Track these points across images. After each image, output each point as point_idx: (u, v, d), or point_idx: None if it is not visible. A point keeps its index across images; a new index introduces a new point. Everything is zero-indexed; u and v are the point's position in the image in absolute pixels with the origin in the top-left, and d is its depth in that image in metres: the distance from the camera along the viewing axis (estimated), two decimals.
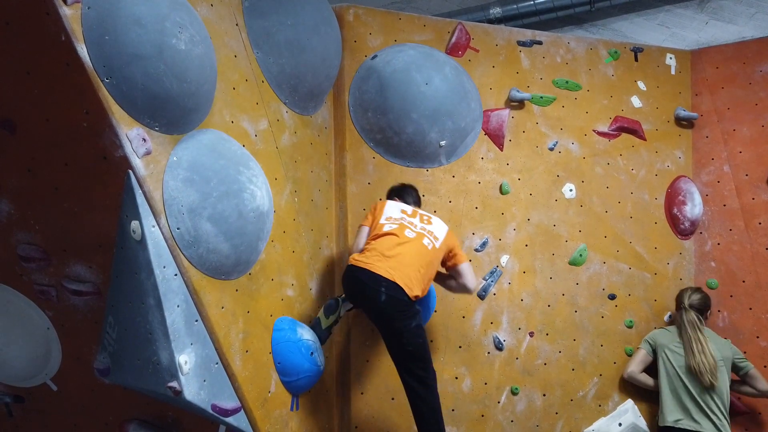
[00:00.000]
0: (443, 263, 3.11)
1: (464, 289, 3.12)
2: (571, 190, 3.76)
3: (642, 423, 3.50)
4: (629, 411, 3.53)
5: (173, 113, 2.32)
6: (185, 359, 2.32)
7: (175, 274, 2.34)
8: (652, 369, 3.49)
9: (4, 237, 2.54)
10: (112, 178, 2.23)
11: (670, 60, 4.04)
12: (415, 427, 2.91)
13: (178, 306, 2.33)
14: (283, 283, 2.97)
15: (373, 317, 2.91)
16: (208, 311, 2.45)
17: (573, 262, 3.68)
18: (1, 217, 2.50)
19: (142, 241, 2.25)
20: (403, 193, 3.27)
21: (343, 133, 3.58)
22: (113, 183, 2.24)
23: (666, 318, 3.73)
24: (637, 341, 3.61)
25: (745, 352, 3.45)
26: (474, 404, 3.43)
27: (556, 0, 4.33)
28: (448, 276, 3.18)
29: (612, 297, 3.69)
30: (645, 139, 3.91)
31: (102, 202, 2.32)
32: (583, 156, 3.81)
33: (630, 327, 3.68)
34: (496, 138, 3.72)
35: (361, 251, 2.97)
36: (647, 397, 3.55)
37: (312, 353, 2.90)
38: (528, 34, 3.88)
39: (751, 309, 3.62)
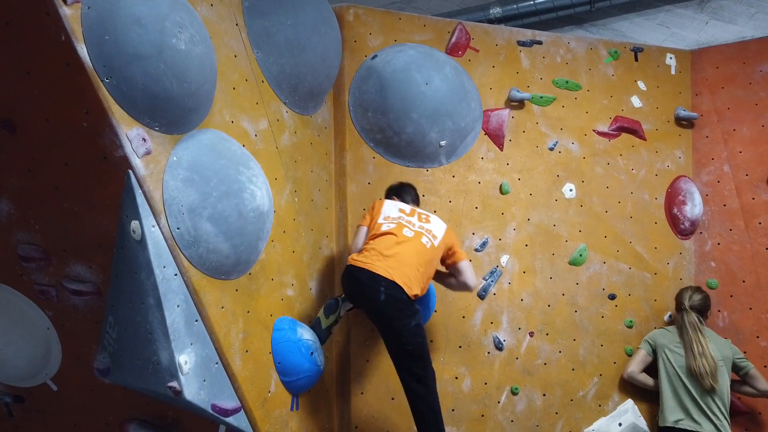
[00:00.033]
0: (443, 261, 3.11)
1: (464, 287, 3.12)
2: (571, 190, 3.76)
3: (642, 423, 3.50)
4: (629, 411, 3.53)
5: (173, 113, 2.32)
6: (185, 359, 2.33)
7: (175, 274, 2.34)
8: (652, 369, 3.49)
9: (4, 237, 2.55)
10: (112, 178, 2.23)
11: (670, 60, 4.04)
12: (415, 427, 2.91)
13: (178, 306, 2.33)
14: (283, 283, 2.97)
15: (373, 317, 2.91)
16: (208, 311, 2.45)
17: (573, 262, 3.68)
18: (1, 217, 2.50)
19: (142, 241, 2.25)
20: (402, 191, 3.27)
21: (343, 133, 3.58)
22: (113, 183, 2.24)
23: (666, 318, 3.73)
24: (637, 341, 3.61)
25: (745, 352, 3.45)
26: (474, 404, 3.43)
27: (556, 0, 4.33)
28: (448, 274, 3.18)
29: (612, 297, 3.69)
30: (645, 139, 3.91)
31: (102, 202, 2.32)
32: (583, 156, 3.81)
33: (630, 327, 3.68)
34: (496, 138, 3.72)
35: (360, 251, 2.97)
36: (647, 397, 3.55)
37: (312, 353, 2.90)
38: (528, 34, 3.88)
39: (751, 309, 3.62)
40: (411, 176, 3.52)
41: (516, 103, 3.77)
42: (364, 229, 3.09)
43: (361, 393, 3.33)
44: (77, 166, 2.29)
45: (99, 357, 2.60)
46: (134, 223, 2.25)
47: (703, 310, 3.46)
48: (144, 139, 2.22)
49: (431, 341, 3.39)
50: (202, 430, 2.74)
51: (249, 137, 2.82)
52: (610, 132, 3.88)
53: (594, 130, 3.86)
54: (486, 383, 3.46)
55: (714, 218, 3.83)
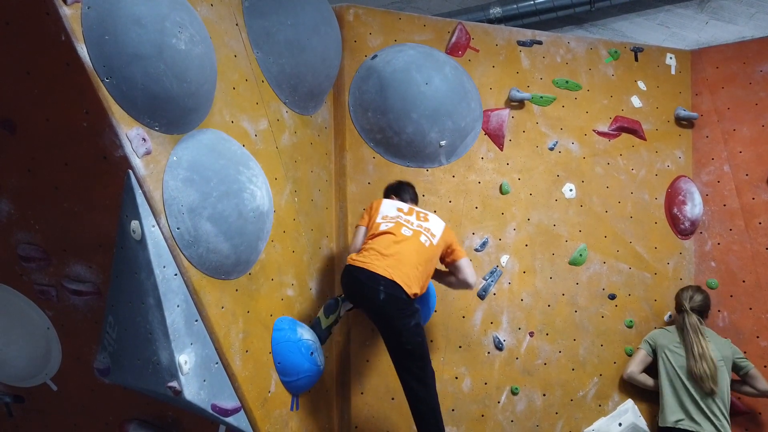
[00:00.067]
0: (442, 259, 3.11)
1: (465, 285, 3.11)
2: (571, 190, 3.76)
3: (642, 423, 3.50)
4: (629, 411, 3.53)
5: (173, 113, 2.32)
6: (185, 359, 2.33)
7: (175, 274, 2.34)
8: (652, 369, 3.49)
9: (4, 237, 2.55)
10: (112, 178, 2.23)
11: (670, 60, 4.04)
12: (415, 427, 2.91)
13: (178, 306, 2.33)
14: (283, 282, 2.97)
15: (373, 316, 2.91)
16: (208, 311, 2.45)
17: (573, 262, 3.68)
18: (1, 217, 2.50)
19: (142, 241, 2.25)
20: (400, 190, 3.27)
21: (343, 133, 3.58)
22: (113, 183, 2.24)
23: (666, 318, 3.73)
24: (637, 341, 3.61)
25: (745, 352, 3.45)
26: (474, 404, 3.43)
27: (556, 0, 4.33)
28: (448, 273, 3.18)
29: (612, 297, 3.69)
30: (645, 139, 3.91)
31: (102, 202, 2.32)
32: (583, 156, 3.81)
33: (630, 327, 3.68)
34: (496, 138, 3.72)
35: (359, 251, 2.97)
36: (647, 397, 3.55)
37: (312, 353, 2.90)
38: (528, 34, 3.88)
39: (751, 309, 3.62)
40: (411, 176, 3.52)
41: (516, 103, 3.77)
42: (362, 229, 3.09)
43: (361, 393, 3.33)
44: (77, 166, 2.29)
45: (99, 357, 2.60)
46: (134, 223, 2.25)
47: (703, 311, 3.46)
48: (144, 139, 2.22)
49: (431, 341, 3.39)
50: (202, 430, 2.74)
51: (249, 137, 2.82)
52: (610, 132, 3.88)
53: (594, 130, 3.86)
54: (486, 383, 3.46)
55: (714, 218, 3.83)
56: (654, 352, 3.47)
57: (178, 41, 2.24)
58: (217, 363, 2.50)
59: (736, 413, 3.45)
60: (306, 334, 2.93)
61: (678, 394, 3.29)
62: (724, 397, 3.23)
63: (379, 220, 3.02)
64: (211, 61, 2.50)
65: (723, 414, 3.21)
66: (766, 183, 3.70)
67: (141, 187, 2.23)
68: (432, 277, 3.13)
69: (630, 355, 3.61)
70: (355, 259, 2.89)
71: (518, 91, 3.73)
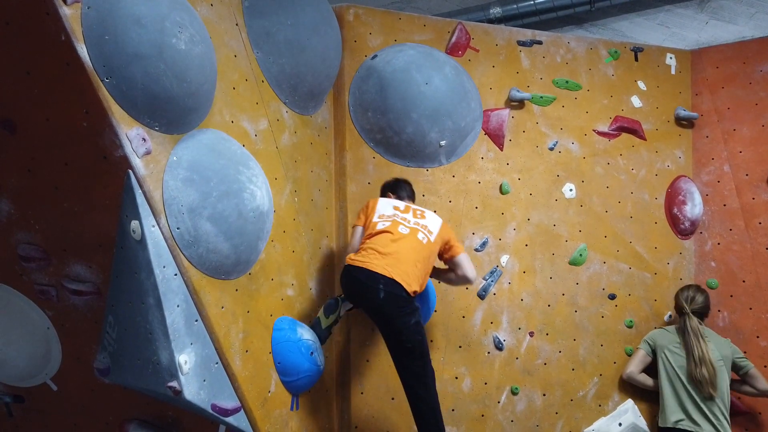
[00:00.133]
0: (440, 256, 3.11)
1: (465, 281, 3.11)
2: (571, 190, 3.76)
3: (642, 423, 3.50)
4: (629, 411, 3.53)
5: (173, 113, 2.32)
6: (185, 359, 2.33)
7: (175, 274, 2.34)
8: (652, 369, 3.49)
9: (4, 237, 2.55)
10: (112, 178, 2.23)
11: (670, 60, 4.04)
12: (415, 427, 2.91)
13: (178, 306, 2.33)
14: (283, 282, 2.97)
15: (373, 315, 2.91)
16: (207, 311, 2.45)
17: (573, 262, 3.68)
18: (1, 217, 2.50)
19: (142, 241, 2.25)
20: (397, 188, 3.27)
21: (343, 133, 3.58)
22: (113, 183, 2.24)
23: (666, 318, 3.73)
24: (637, 341, 3.61)
25: (745, 352, 3.44)
26: (474, 404, 3.43)
27: (556, 0, 4.33)
28: (447, 270, 3.18)
29: (612, 297, 3.69)
30: (645, 139, 3.91)
31: (102, 202, 2.32)
32: (583, 156, 3.81)
33: (630, 327, 3.68)
34: (496, 138, 3.72)
35: (357, 251, 2.97)
36: (647, 397, 3.55)
37: (312, 353, 2.90)
38: (528, 34, 3.88)
39: (751, 309, 3.62)
40: (411, 176, 3.52)
41: (516, 103, 3.77)
42: (359, 229, 3.09)
43: (361, 393, 3.33)
44: (77, 166, 2.29)
45: (99, 357, 2.60)
46: (134, 223, 2.25)
47: (704, 312, 3.46)
48: (144, 139, 2.22)
49: (431, 341, 3.39)
50: (202, 430, 2.74)
51: (249, 137, 2.82)
52: (610, 132, 3.88)
53: (594, 130, 3.86)
54: (486, 383, 3.46)
55: (714, 218, 3.83)
56: (653, 352, 3.47)
57: (178, 41, 2.24)
58: (217, 363, 2.50)
59: (736, 413, 3.45)
60: (306, 334, 2.93)
61: (678, 395, 3.29)
62: (724, 398, 3.23)
63: (375, 219, 3.02)
64: (211, 61, 2.50)
65: (723, 414, 3.21)
66: (766, 183, 3.70)
67: (141, 187, 2.23)
68: (431, 276, 3.13)
69: (630, 355, 3.61)
70: (354, 258, 2.89)
71: (518, 91, 3.73)
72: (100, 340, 2.59)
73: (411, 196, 3.30)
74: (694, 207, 3.82)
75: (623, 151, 3.87)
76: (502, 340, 3.51)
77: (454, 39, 3.75)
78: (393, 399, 3.32)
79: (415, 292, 2.85)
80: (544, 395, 3.52)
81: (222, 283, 2.55)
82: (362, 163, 3.56)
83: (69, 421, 2.93)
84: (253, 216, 2.60)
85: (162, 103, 2.25)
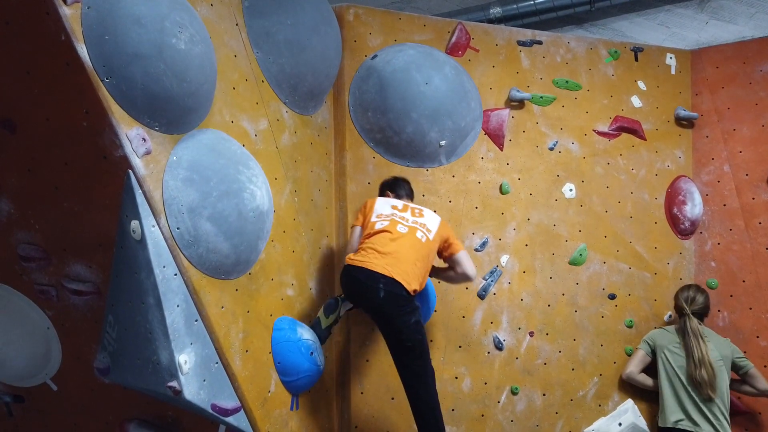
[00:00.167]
0: (440, 254, 3.11)
1: (464, 278, 3.11)
2: (571, 190, 3.76)
3: (642, 423, 3.50)
4: (629, 411, 3.53)
5: (173, 113, 2.32)
6: (185, 359, 2.33)
7: (175, 274, 2.34)
8: (651, 369, 3.49)
9: (4, 236, 2.55)
10: (112, 178, 2.23)
11: (670, 60, 4.04)
12: (415, 427, 2.91)
13: (177, 305, 2.33)
14: (282, 282, 2.97)
15: (373, 314, 2.91)
16: (207, 311, 2.45)
17: (573, 262, 3.68)
18: (1, 217, 2.50)
19: (142, 241, 2.25)
20: (396, 186, 3.28)
21: (343, 133, 3.58)
22: (113, 182, 2.24)
23: (666, 318, 3.73)
24: (637, 341, 3.61)
25: (745, 352, 3.44)
26: (474, 404, 3.43)
27: (556, 0, 4.33)
28: (447, 268, 3.18)
29: (612, 297, 3.69)
30: (645, 139, 3.91)
31: (102, 202, 2.32)
32: (583, 156, 3.81)
33: (630, 327, 3.68)
34: (496, 138, 3.72)
35: (357, 251, 2.97)
36: (647, 396, 3.55)
37: (312, 353, 2.90)
38: (528, 33, 3.88)
39: (751, 309, 3.62)
40: (411, 176, 3.51)
41: (516, 103, 3.77)
42: (358, 230, 3.10)
43: (361, 393, 3.33)
44: (77, 166, 2.29)
45: (99, 356, 2.60)
46: (134, 223, 2.25)
47: (704, 313, 3.46)
48: (144, 139, 2.23)
49: (431, 340, 3.39)
50: (202, 430, 2.74)
51: (249, 137, 2.82)
52: (610, 132, 3.88)
53: (594, 130, 3.86)
54: (486, 383, 3.46)
55: (714, 218, 3.83)
56: (653, 352, 3.47)
57: (178, 41, 2.24)
58: (216, 363, 2.50)
59: (736, 413, 3.45)
60: (306, 333, 2.94)
61: (677, 395, 3.29)
62: (724, 398, 3.23)
63: (374, 219, 3.02)
64: (211, 60, 2.50)
65: (723, 414, 3.21)
66: (766, 183, 3.70)
67: (141, 186, 2.23)
68: (431, 275, 3.14)
69: (630, 355, 3.61)
70: (354, 258, 2.90)
71: (518, 91, 3.73)
72: (100, 339, 2.59)
73: (409, 195, 3.30)
74: (694, 207, 3.82)
75: (623, 151, 3.87)
76: (502, 340, 3.51)
77: (454, 39, 3.75)
78: (393, 399, 3.32)
79: (415, 290, 2.86)
80: (544, 395, 3.52)
81: (222, 282, 2.55)
82: (362, 163, 3.56)
83: (69, 420, 2.93)
84: (253, 216, 2.60)
85: (162, 103, 2.25)
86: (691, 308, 3.39)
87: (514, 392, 3.48)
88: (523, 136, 3.76)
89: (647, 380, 3.48)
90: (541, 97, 3.80)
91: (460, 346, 3.47)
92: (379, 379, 3.34)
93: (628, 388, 3.58)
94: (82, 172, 2.29)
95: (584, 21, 4.52)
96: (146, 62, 2.15)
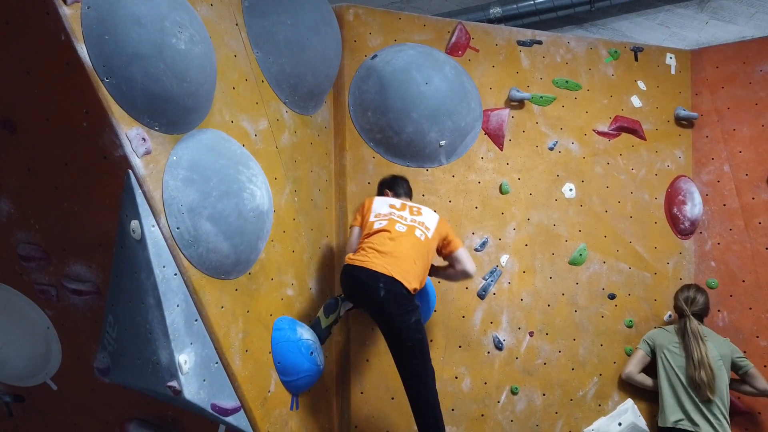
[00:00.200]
0: (439, 252, 3.12)
1: (464, 275, 3.11)
2: (571, 190, 3.76)
3: (642, 422, 3.50)
4: (629, 410, 3.53)
5: (173, 113, 2.32)
6: (185, 359, 2.33)
7: (175, 274, 2.34)
8: (651, 369, 3.49)
9: (4, 236, 2.55)
10: (111, 178, 2.23)
11: (670, 60, 4.04)
12: (415, 427, 2.91)
13: (177, 305, 2.33)
14: (282, 282, 2.97)
15: (373, 314, 2.92)
16: (207, 311, 2.45)
17: (573, 262, 3.68)
18: (1, 217, 2.50)
19: (142, 241, 2.25)
20: (394, 184, 3.28)
21: (343, 133, 3.58)
22: (113, 182, 2.24)
23: (666, 317, 3.73)
24: (637, 341, 3.60)
25: (745, 352, 3.45)
26: (474, 404, 3.43)
27: (556, 0, 4.33)
28: (446, 266, 3.18)
29: (612, 297, 3.69)
30: (645, 139, 3.91)
31: (102, 202, 2.32)
32: (583, 156, 3.81)
33: (630, 327, 3.68)
34: (496, 138, 3.72)
35: (356, 251, 2.98)
36: (647, 396, 3.55)
37: (312, 352, 2.90)
38: (528, 33, 3.88)
39: (751, 309, 3.62)
40: (411, 176, 3.51)
41: (516, 103, 3.77)
42: (356, 230, 3.10)
43: (361, 392, 3.33)
44: (77, 166, 2.29)
45: (99, 356, 2.60)
46: (134, 223, 2.25)
47: (704, 314, 3.46)
48: (144, 139, 2.23)
49: (431, 340, 3.39)
50: (202, 430, 2.74)
51: (249, 137, 2.82)
52: (610, 132, 3.88)
53: (594, 130, 3.86)
54: (486, 383, 3.46)
55: (714, 218, 3.83)
56: (653, 352, 3.47)
57: (178, 41, 2.24)
58: (216, 363, 2.51)
59: (736, 413, 3.45)
60: (306, 333, 2.94)
61: (677, 395, 3.29)
62: (724, 398, 3.23)
63: (372, 218, 3.03)
64: (211, 60, 2.50)
65: (722, 414, 3.21)
66: (766, 183, 3.70)
67: (141, 186, 2.23)
68: (431, 274, 3.14)
69: (630, 354, 3.61)
70: (354, 258, 2.90)
71: (518, 90, 3.73)
72: (100, 339, 2.59)
73: (408, 193, 3.30)
74: (693, 207, 3.82)
75: (623, 151, 3.87)
76: (501, 340, 3.51)
77: (454, 39, 3.75)
78: (393, 399, 3.32)
79: (415, 289, 2.86)
80: (544, 395, 3.52)
81: (222, 282, 2.55)
82: (362, 163, 3.56)
83: (69, 420, 2.93)
84: (252, 216, 2.60)
85: (162, 102, 2.25)
86: (691, 309, 3.38)
87: (513, 392, 3.48)
88: (523, 136, 3.76)
89: (646, 380, 3.48)
90: (541, 97, 3.80)
91: (460, 346, 3.47)
92: (379, 379, 3.34)
93: (628, 387, 3.58)
94: (82, 172, 2.29)
95: (584, 21, 4.52)
96: (146, 62, 2.16)
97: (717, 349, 3.30)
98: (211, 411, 2.45)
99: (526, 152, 3.75)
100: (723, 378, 3.26)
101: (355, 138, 3.58)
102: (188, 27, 2.31)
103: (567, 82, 3.86)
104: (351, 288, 2.92)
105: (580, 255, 3.69)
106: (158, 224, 2.28)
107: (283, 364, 2.84)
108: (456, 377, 3.44)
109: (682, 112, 3.95)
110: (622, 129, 3.89)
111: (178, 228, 2.33)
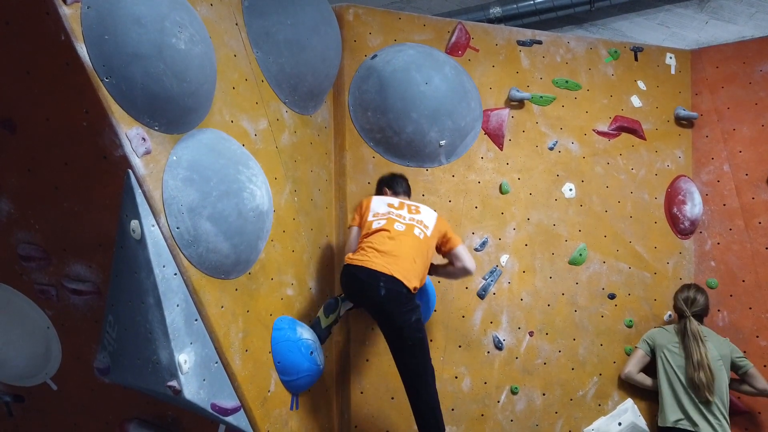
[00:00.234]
0: (438, 249, 3.12)
1: (464, 272, 3.11)
2: (570, 190, 3.76)
3: (642, 422, 3.50)
4: (629, 410, 3.53)
5: (173, 113, 2.32)
6: (185, 358, 2.33)
7: (175, 274, 2.34)
8: (651, 368, 3.49)
9: (4, 236, 2.55)
10: (111, 178, 2.23)
11: (670, 59, 4.04)
12: (415, 426, 2.91)
13: (177, 305, 2.33)
14: (282, 282, 2.97)
15: (374, 313, 2.92)
16: (207, 310, 2.45)
17: (573, 262, 3.68)
18: (1, 217, 2.50)
19: (142, 241, 2.25)
20: (393, 183, 3.28)
21: (343, 133, 3.59)
22: (113, 182, 2.24)
23: (666, 317, 3.73)
24: (637, 341, 3.60)
25: (744, 352, 3.45)
26: (474, 403, 3.44)
27: (556, 0, 4.33)
28: (445, 264, 3.18)
29: (612, 296, 3.69)
30: (645, 139, 3.91)
31: (102, 202, 2.32)
32: (583, 155, 3.81)
33: (630, 326, 3.68)
34: (496, 137, 3.72)
35: (356, 250, 2.98)
36: (647, 396, 3.55)
37: (312, 352, 2.91)
38: (528, 33, 3.88)
39: (750, 308, 3.62)
40: (411, 176, 3.51)
41: (516, 103, 3.77)
42: (355, 230, 3.10)
43: (361, 392, 3.33)
44: (77, 166, 2.29)
45: (99, 356, 2.60)
46: (134, 223, 2.25)
47: (704, 314, 3.46)
48: (144, 139, 2.23)
49: (431, 340, 3.39)
50: (202, 430, 2.74)
51: (249, 137, 2.82)
52: (610, 132, 3.88)
53: (594, 130, 3.86)
54: (486, 383, 3.46)
55: (714, 218, 3.83)
56: (652, 352, 3.47)
57: (177, 41, 2.24)
58: (216, 362, 2.51)
59: (736, 413, 3.45)
60: (306, 333, 2.94)
61: (677, 394, 3.29)
62: (723, 398, 3.23)
63: (370, 218, 3.03)
64: (211, 60, 2.50)
65: (722, 413, 3.21)
66: (766, 183, 3.70)
67: (141, 186, 2.23)
68: (431, 273, 3.14)
69: (630, 354, 3.61)
70: (353, 257, 2.90)
71: (518, 90, 3.73)
72: (100, 339, 2.59)
73: (407, 192, 3.31)
74: (693, 207, 3.82)
75: (623, 151, 3.87)
76: (501, 340, 3.51)
77: (454, 39, 3.75)
78: (393, 398, 3.32)
79: (415, 288, 2.86)
80: (544, 395, 3.52)
81: (222, 282, 2.56)
82: (362, 163, 3.56)
83: (69, 420, 2.94)
84: (252, 215, 2.60)
85: (162, 102, 2.25)
86: (691, 310, 3.38)
87: (513, 392, 3.48)
88: (523, 136, 3.76)
89: (646, 380, 3.48)
90: (541, 96, 3.80)
91: (459, 346, 3.47)
92: (379, 379, 3.34)
93: (628, 387, 3.58)
94: (82, 172, 2.29)
95: (584, 21, 4.52)
96: (146, 62, 2.16)
97: (717, 349, 3.30)
98: (211, 411, 2.46)
99: (526, 152, 3.75)
100: (722, 378, 3.26)
101: (355, 138, 3.58)
102: (188, 27, 2.31)
103: (567, 82, 3.86)
104: (351, 287, 2.92)
105: (580, 255, 3.69)
106: (158, 224, 2.29)
107: (283, 364, 2.84)
108: (456, 377, 3.44)
109: (682, 112, 3.95)
110: (622, 129, 3.89)
111: (178, 228, 2.33)
